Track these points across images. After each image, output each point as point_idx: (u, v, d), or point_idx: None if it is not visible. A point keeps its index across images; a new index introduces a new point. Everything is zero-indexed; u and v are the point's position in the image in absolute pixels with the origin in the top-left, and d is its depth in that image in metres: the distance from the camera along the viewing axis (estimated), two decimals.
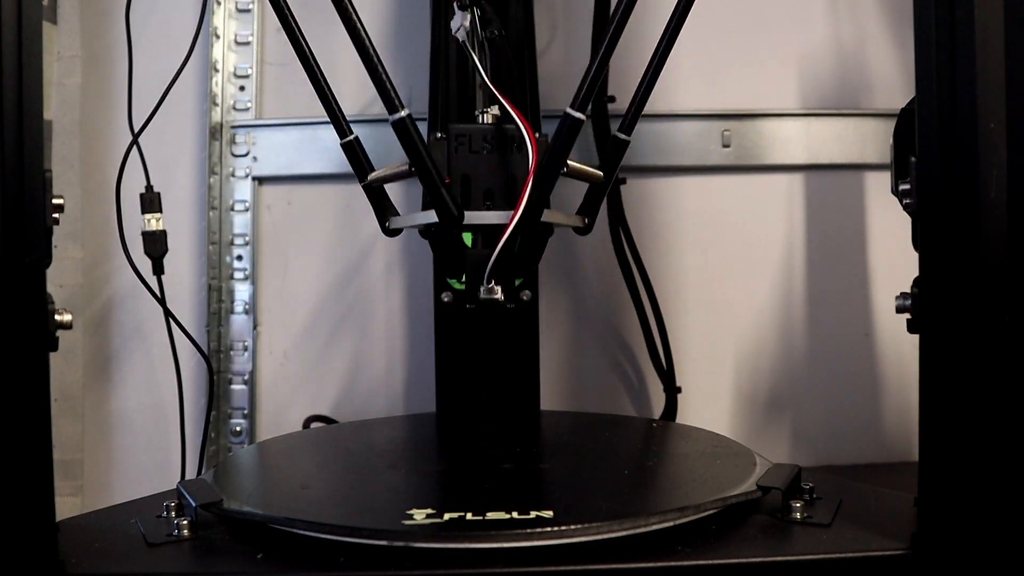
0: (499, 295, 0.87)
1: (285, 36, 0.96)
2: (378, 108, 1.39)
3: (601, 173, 0.95)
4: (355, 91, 1.36)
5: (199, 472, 1.25)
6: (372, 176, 0.93)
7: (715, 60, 1.40)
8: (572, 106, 0.87)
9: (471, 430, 1.12)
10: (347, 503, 0.80)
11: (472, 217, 0.88)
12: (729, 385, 1.39)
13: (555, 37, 1.38)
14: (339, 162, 1.36)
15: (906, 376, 1.36)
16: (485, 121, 0.94)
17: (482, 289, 0.87)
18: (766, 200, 1.39)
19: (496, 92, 0.90)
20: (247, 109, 1.37)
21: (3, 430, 0.64)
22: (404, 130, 0.86)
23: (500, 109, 0.92)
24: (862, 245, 1.39)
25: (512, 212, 0.85)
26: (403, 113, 0.86)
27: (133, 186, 1.25)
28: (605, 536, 0.70)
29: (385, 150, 1.36)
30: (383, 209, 0.95)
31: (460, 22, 0.95)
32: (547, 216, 0.90)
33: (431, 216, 0.88)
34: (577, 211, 0.98)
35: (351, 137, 0.94)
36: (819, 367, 1.39)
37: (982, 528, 0.67)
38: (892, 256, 1.37)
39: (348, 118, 0.95)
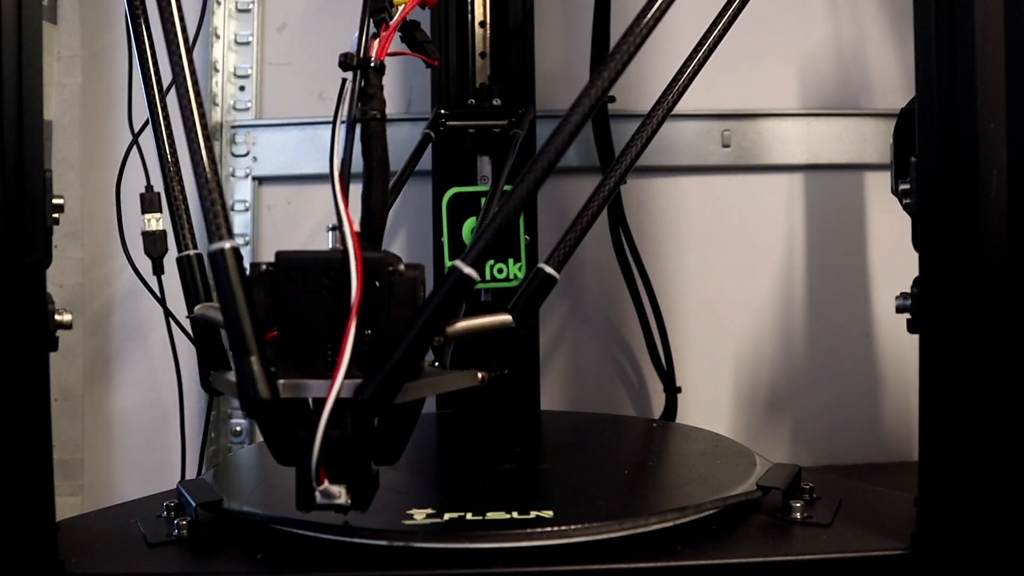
0: (342, 499, 0.61)
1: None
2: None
3: (509, 318, 0.70)
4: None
5: (199, 472, 1.25)
6: (197, 311, 0.71)
7: (715, 60, 1.39)
8: (465, 260, 0.63)
9: (471, 430, 1.12)
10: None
11: (291, 389, 0.61)
12: (729, 385, 1.39)
13: (555, 37, 1.38)
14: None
15: (906, 376, 1.36)
16: (336, 243, 0.65)
17: (317, 493, 0.61)
18: (766, 200, 1.39)
19: (341, 203, 0.63)
20: (247, 109, 1.37)
21: (3, 430, 0.64)
22: (217, 270, 0.62)
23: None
24: (862, 245, 1.39)
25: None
26: (223, 245, 0.61)
27: (133, 186, 1.24)
28: (605, 536, 0.70)
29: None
30: (209, 356, 0.72)
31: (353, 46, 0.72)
32: (415, 390, 0.63)
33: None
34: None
35: (188, 252, 0.74)
36: (819, 367, 1.39)
37: (982, 528, 0.66)
38: (892, 256, 1.37)
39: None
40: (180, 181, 0.76)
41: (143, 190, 1.24)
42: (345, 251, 0.62)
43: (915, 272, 0.70)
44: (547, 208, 1.34)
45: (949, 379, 0.67)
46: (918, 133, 0.69)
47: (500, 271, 1.19)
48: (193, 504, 0.76)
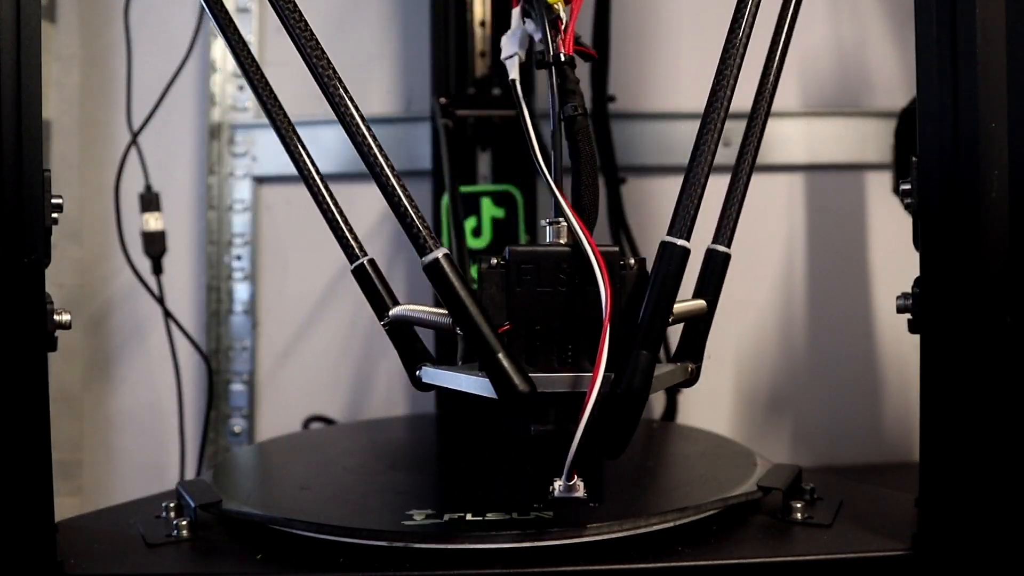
0: (581, 492, 0.62)
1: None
2: (377, 108, 1.40)
3: (703, 303, 0.74)
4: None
5: (198, 472, 1.25)
6: (396, 313, 0.69)
7: (715, 60, 1.39)
8: (674, 234, 0.67)
9: (471, 430, 1.12)
10: (347, 504, 0.80)
11: (545, 383, 0.62)
12: (729, 385, 1.39)
13: None
14: (339, 162, 1.36)
15: (906, 376, 1.36)
16: (554, 237, 0.66)
17: (557, 486, 0.62)
18: (766, 200, 1.39)
19: (563, 201, 0.64)
20: (246, 109, 1.37)
21: (2, 430, 0.64)
22: (438, 276, 0.63)
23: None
24: (862, 245, 1.39)
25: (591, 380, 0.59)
26: (437, 254, 0.64)
27: (132, 186, 1.25)
28: (605, 536, 0.70)
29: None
30: (412, 353, 0.71)
31: (515, 46, 0.73)
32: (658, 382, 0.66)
33: (483, 386, 0.63)
34: (674, 355, 0.73)
35: (361, 260, 0.71)
36: (819, 367, 1.39)
37: (983, 528, 0.66)
38: (892, 256, 1.37)
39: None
40: (331, 193, 0.74)
41: (142, 190, 1.24)
42: (574, 246, 0.63)
43: (916, 272, 0.70)
44: (546, 208, 1.34)
45: (950, 379, 0.67)
46: (919, 133, 0.68)
47: None
48: (192, 504, 0.76)
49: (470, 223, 1.19)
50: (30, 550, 0.66)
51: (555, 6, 0.70)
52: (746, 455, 0.89)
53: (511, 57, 0.73)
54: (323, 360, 1.38)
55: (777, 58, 0.77)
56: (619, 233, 1.30)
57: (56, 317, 0.68)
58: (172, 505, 0.77)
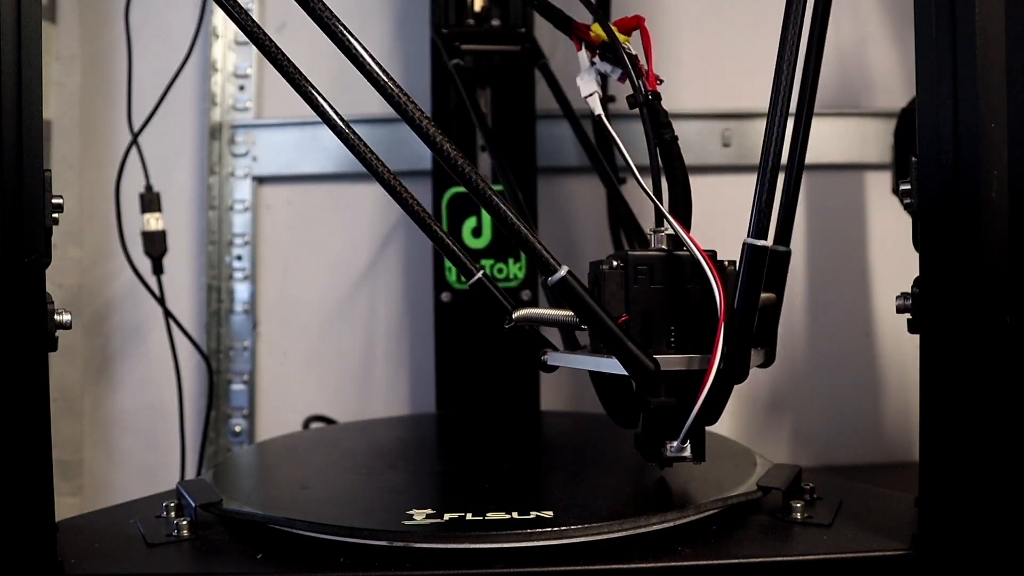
0: (688, 452, 0.74)
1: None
2: (378, 108, 1.40)
3: (774, 295, 0.82)
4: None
5: (199, 472, 1.25)
6: (520, 315, 0.77)
7: (715, 60, 1.40)
8: (751, 235, 0.77)
9: (471, 430, 1.12)
10: (347, 503, 0.80)
11: (663, 363, 0.73)
12: None
13: (555, 38, 1.37)
14: (339, 162, 1.36)
15: (906, 376, 1.36)
16: (657, 243, 0.78)
17: (671, 447, 0.74)
18: None
19: (675, 223, 0.76)
20: (247, 109, 1.37)
21: (3, 430, 0.64)
22: (567, 289, 0.73)
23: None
24: (862, 245, 1.39)
25: (710, 357, 0.71)
26: (562, 272, 0.73)
27: (132, 186, 1.25)
28: (605, 536, 0.70)
29: (384, 150, 1.36)
30: (534, 342, 0.82)
31: (593, 84, 0.82)
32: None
33: (610, 365, 0.74)
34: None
35: (478, 275, 0.76)
36: (819, 367, 1.39)
37: (982, 528, 0.66)
38: (892, 256, 1.37)
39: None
40: (424, 205, 0.78)
41: (142, 190, 1.24)
42: (675, 250, 0.76)
43: (915, 272, 0.70)
44: (546, 208, 1.34)
45: (949, 379, 0.67)
46: (918, 133, 0.68)
47: (500, 271, 1.19)
48: (193, 504, 0.76)
49: (470, 223, 1.19)
50: (30, 550, 0.66)
51: (626, 44, 0.80)
52: (746, 455, 0.89)
53: (591, 95, 0.82)
54: (323, 360, 1.38)
55: (815, 56, 0.80)
56: (618, 233, 1.30)
57: (56, 317, 0.68)
58: (172, 505, 0.77)
